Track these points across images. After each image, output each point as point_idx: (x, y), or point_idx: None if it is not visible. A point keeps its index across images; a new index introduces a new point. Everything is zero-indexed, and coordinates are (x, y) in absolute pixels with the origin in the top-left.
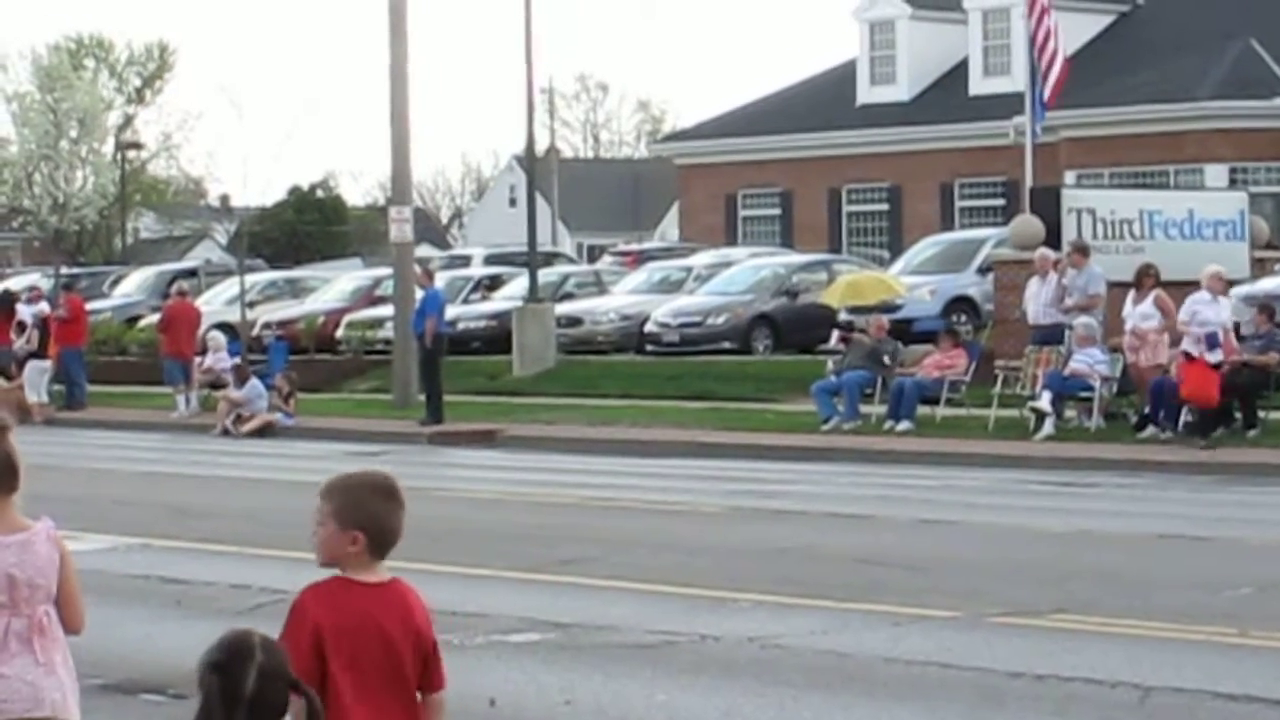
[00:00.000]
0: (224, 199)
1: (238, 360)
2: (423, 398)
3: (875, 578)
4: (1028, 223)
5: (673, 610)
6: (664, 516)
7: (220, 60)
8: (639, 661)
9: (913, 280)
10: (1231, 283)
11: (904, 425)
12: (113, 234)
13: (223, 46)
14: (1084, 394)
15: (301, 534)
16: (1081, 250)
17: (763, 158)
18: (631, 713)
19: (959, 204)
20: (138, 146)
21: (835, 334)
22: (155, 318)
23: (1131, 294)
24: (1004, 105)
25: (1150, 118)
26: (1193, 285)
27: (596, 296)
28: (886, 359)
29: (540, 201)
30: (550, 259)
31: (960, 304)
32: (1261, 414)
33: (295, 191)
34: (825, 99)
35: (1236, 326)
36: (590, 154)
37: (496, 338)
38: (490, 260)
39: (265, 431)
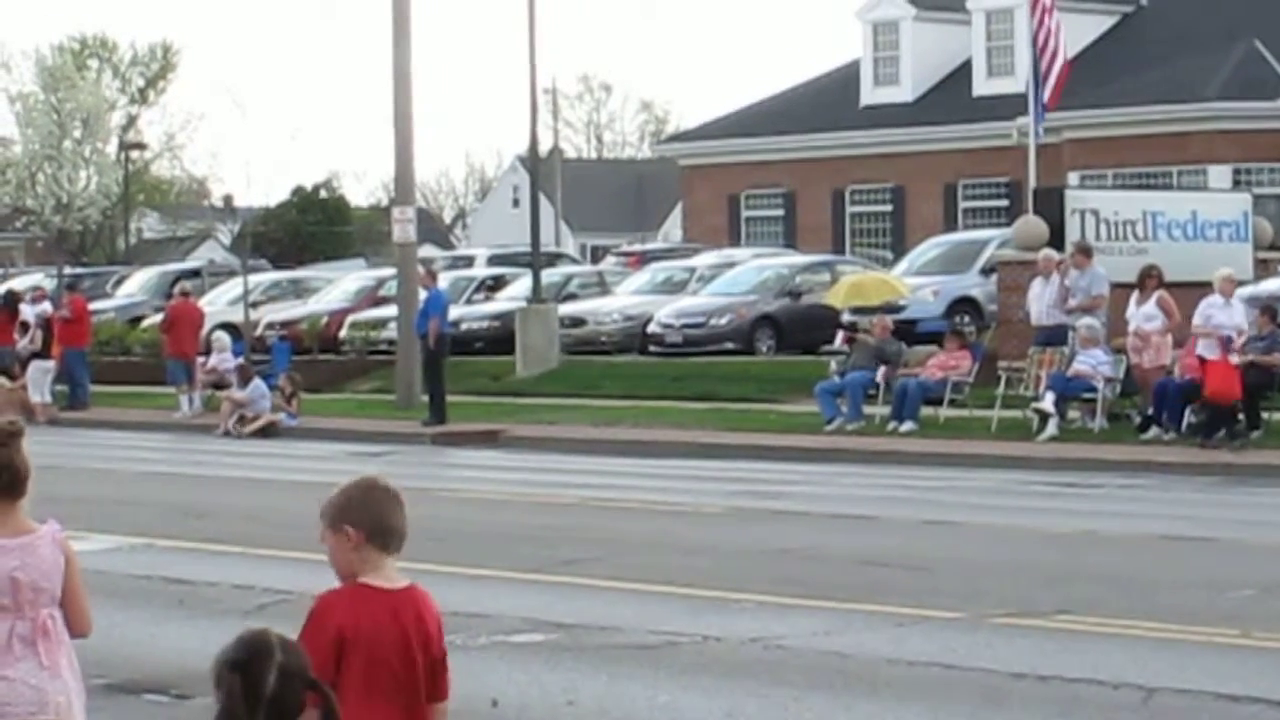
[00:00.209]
0: (227, 199)
1: (241, 360)
2: (426, 398)
3: (878, 578)
4: (1031, 224)
5: (675, 611)
6: (667, 517)
7: (224, 61)
8: (641, 662)
9: (916, 281)
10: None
11: (907, 426)
12: (116, 234)
13: (226, 47)
14: (1087, 395)
15: (305, 534)
16: (1085, 251)
17: (766, 158)
18: (634, 713)
19: (962, 205)
20: (141, 147)
21: (840, 335)
22: (158, 318)
23: (1135, 295)
24: (1008, 106)
25: (1154, 119)
26: (1195, 287)
27: (600, 297)
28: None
29: (543, 202)
30: (553, 259)
31: (963, 305)
32: (1265, 415)
33: (299, 192)
34: (829, 100)
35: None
36: (594, 154)
37: (499, 338)
38: (493, 261)
39: (268, 432)
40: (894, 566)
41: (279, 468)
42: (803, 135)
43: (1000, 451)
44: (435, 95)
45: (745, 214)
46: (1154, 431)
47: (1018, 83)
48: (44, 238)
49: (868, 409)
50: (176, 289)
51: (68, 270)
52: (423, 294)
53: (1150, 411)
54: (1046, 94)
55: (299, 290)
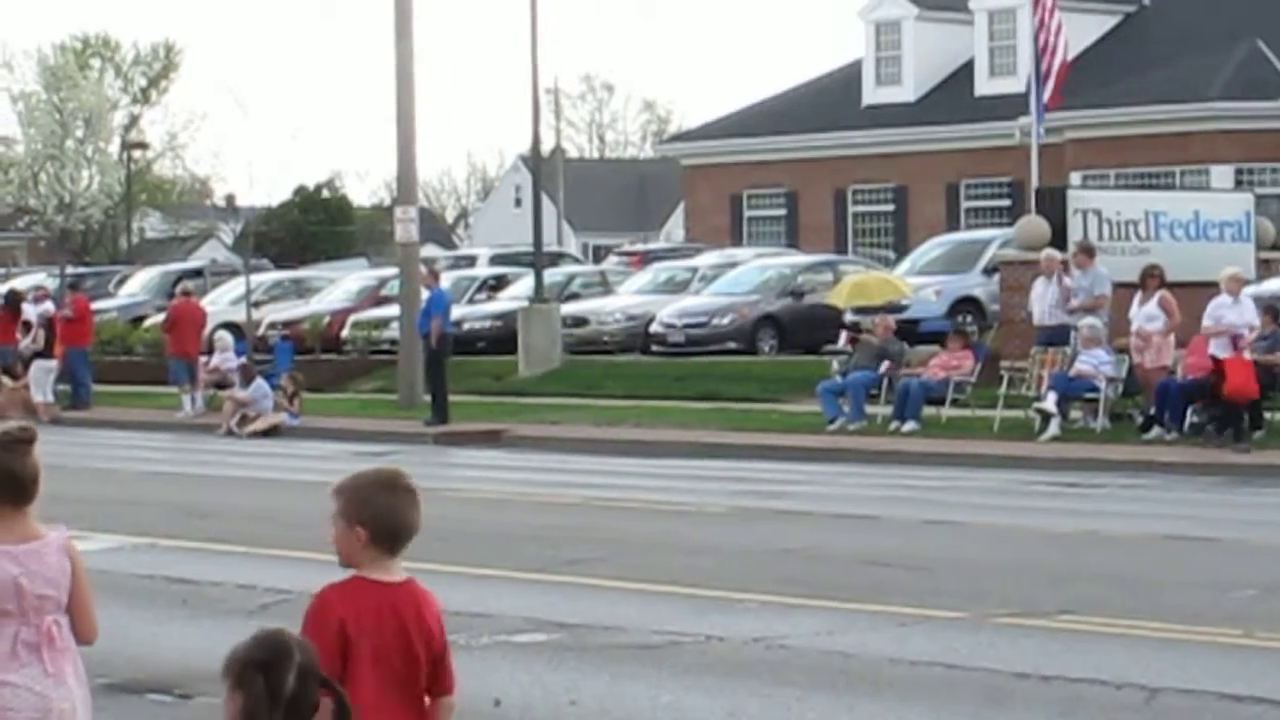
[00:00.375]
0: (229, 199)
1: (243, 360)
2: (428, 398)
3: (880, 578)
4: (1033, 223)
5: (678, 611)
6: (669, 517)
7: (226, 60)
8: (644, 662)
9: (918, 281)
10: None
11: (909, 426)
12: (118, 234)
13: (229, 46)
14: (1089, 395)
15: (308, 534)
16: (1087, 251)
17: (768, 158)
18: (637, 713)
19: (965, 204)
20: (143, 146)
21: (844, 335)
22: (160, 317)
23: (1137, 295)
24: (1010, 106)
25: (1156, 118)
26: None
27: (602, 297)
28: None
29: (546, 202)
30: (556, 259)
31: (966, 304)
32: (1268, 415)
33: (301, 191)
34: (831, 99)
35: None
36: (596, 154)
37: (502, 338)
38: (495, 260)
39: (270, 431)
40: (897, 566)
41: (281, 467)
42: (805, 135)
43: (1002, 451)
44: (437, 95)
45: (747, 214)
46: (1156, 431)
47: (1020, 82)
48: (46, 237)
49: (870, 409)
50: (179, 289)
51: (70, 270)
52: (425, 293)
53: (1152, 411)
54: (1047, 94)
55: (301, 290)
